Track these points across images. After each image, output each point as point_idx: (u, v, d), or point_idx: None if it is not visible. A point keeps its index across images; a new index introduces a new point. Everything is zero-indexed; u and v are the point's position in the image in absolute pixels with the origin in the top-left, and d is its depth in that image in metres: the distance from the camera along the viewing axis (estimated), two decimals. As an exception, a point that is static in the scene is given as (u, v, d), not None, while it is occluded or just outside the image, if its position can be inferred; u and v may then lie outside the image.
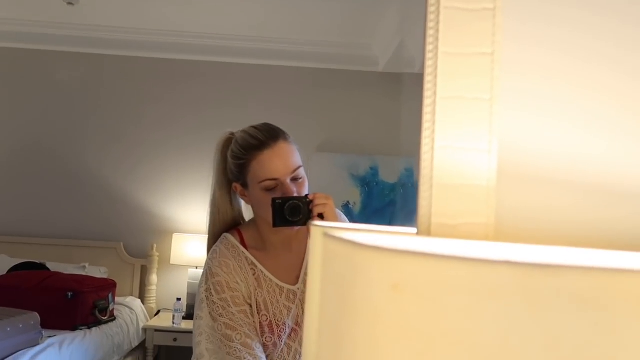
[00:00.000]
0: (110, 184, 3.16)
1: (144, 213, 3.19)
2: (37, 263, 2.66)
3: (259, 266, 0.74)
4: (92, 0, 2.76)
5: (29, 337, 1.92)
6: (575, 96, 0.38)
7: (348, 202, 3.02)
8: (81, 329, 2.34)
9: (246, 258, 0.74)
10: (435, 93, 0.35)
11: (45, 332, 2.06)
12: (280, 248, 0.78)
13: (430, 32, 0.35)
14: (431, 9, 0.34)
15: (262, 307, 0.72)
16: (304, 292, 0.70)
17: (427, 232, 0.36)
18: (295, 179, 0.72)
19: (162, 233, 3.16)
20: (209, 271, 0.74)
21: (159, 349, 2.95)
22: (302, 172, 0.75)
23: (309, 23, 2.78)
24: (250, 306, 0.73)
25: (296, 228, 0.71)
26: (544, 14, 0.35)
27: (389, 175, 2.98)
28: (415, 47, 2.53)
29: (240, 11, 2.79)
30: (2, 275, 2.51)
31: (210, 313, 0.74)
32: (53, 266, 2.74)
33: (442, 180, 0.35)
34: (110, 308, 2.53)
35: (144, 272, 3.12)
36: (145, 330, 2.83)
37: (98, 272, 2.89)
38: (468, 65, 0.35)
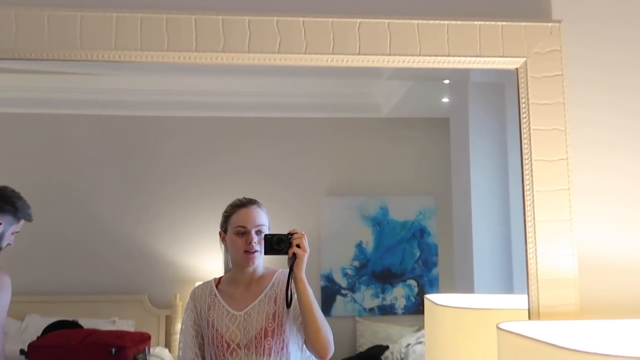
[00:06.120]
0: (132, 238, 3.28)
1: (165, 264, 3.31)
2: (70, 321, 2.75)
3: (218, 296, 1.03)
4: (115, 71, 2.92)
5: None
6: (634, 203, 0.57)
7: (361, 241, 3.15)
8: (123, 383, 2.40)
9: (210, 289, 1.06)
10: (533, 218, 0.53)
11: (90, 389, 2.13)
12: (242, 285, 1.04)
13: (526, 179, 0.53)
14: (527, 180, 0.53)
15: (211, 324, 1.02)
16: (246, 320, 0.99)
17: (537, 315, 0.53)
18: (258, 232, 0.98)
19: (184, 282, 3.27)
20: None
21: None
22: (264, 229, 1.04)
23: (313, 79, 2.97)
24: (203, 325, 1.03)
25: (259, 272, 0.97)
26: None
27: (399, 214, 3.15)
28: (416, 97, 2.73)
29: (244, 72, 2.98)
30: (44, 336, 2.58)
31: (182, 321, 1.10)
32: (84, 322, 2.81)
33: (543, 277, 0.52)
34: (148, 360, 2.61)
35: (169, 321, 3.22)
36: (175, 378, 2.90)
37: (126, 325, 2.98)
38: (553, 198, 0.53)
